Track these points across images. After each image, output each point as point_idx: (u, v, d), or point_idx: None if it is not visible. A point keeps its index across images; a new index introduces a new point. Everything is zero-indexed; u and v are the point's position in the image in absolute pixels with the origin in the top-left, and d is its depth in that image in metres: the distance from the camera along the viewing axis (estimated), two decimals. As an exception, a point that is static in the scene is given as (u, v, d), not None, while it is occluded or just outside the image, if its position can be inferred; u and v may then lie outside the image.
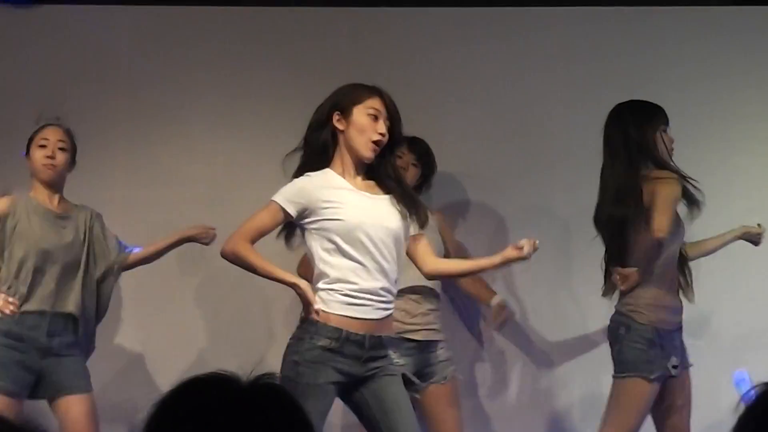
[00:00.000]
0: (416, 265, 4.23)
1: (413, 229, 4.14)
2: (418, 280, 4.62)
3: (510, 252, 4.03)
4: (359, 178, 4.15)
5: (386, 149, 4.17)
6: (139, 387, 5.33)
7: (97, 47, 5.61)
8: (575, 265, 5.46)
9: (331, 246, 4.02)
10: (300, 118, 5.53)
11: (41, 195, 4.87)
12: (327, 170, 4.13)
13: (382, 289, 4.02)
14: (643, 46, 5.56)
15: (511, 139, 5.53)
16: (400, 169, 5.03)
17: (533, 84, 5.55)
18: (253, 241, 4.08)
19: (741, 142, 5.51)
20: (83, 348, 4.78)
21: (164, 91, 5.59)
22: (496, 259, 4.10)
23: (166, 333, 5.47)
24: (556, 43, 5.58)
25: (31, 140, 4.89)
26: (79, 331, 4.74)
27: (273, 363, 5.25)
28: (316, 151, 4.15)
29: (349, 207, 4.05)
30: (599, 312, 5.32)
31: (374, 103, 4.16)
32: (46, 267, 4.71)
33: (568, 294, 5.50)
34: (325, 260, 4.03)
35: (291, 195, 4.08)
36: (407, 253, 4.18)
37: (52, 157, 4.86)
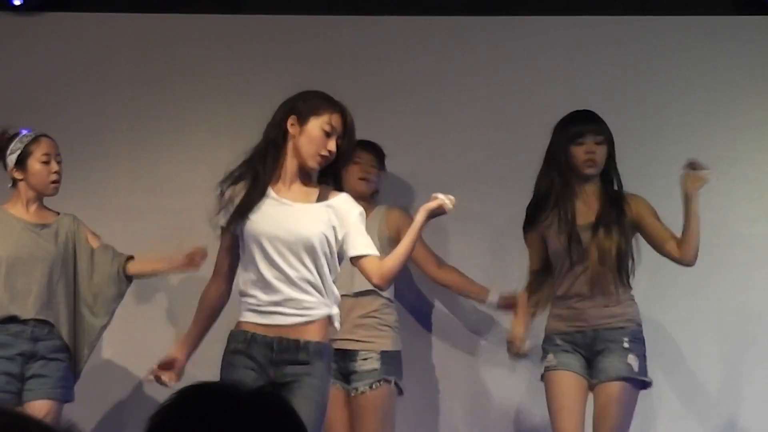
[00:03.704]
0: (370, 282, 4.17)
1: (352, 249, 4.08)
2: (346, 289, 4.68)
3: (427, 205, 3.97)
4: (295, 185, 4.15)
5: (333, 164, 4.16)
6: (138, 394, 5.32)
7: (99, 54, 5.61)
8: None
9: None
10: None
11: (19, 207, 4.84)
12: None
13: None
14: (644, 56, 5.56)
15: (510, 146, 5.52)
16: (363, 173, 5.07)
17: (533, 93, 5.55)
18: (227, 279, 4.25)
19: (743, 152, 5.50)
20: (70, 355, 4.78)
21: (166, 99, 5.59)
22: (418, 217, 4.01)
23: (164, 340, 5.45)
24: (557, 53, 5.58)
25: (27, 153, 4.81)
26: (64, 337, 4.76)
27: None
28: (261, 148, 4.20)
29: (259, 215, 4.10)
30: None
31: (332, 120, 4.14)
32: (23, 274, 4.71)
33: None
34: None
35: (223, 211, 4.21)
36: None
37: (58, 173, 4.83)
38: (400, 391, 5.02)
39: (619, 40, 5.58)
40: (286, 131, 4.17)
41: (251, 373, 4.04)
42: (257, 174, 4.17)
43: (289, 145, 4.15)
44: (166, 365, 4.20)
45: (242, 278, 4.15)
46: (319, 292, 4.06)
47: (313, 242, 4.04)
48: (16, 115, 5.53)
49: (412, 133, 5.51)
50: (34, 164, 4.80)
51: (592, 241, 4.74)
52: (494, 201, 5.49)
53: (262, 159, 4.18)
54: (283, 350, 4.04)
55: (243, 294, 4.14)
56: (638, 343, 4.70)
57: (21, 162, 4.81)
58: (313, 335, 4.06)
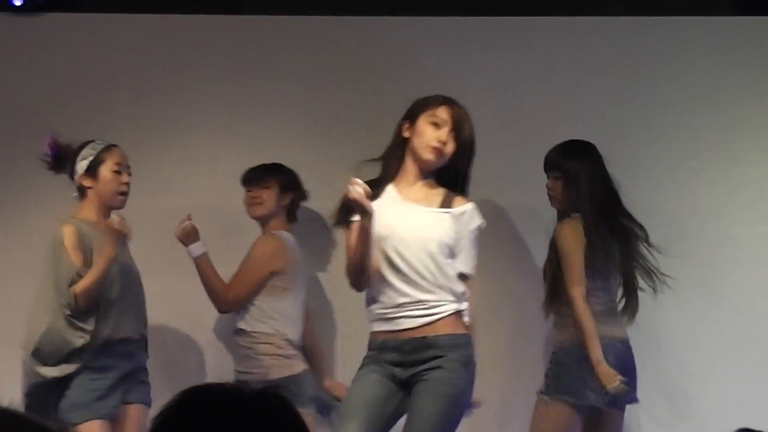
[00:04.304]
0: None
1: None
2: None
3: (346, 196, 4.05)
4: (418, 186, 4.26)
5: (455, 167, 4.27)
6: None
7: (99, 55, 5.61)
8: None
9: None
10: (301, 127, 5.56)
11: (91, 216, 4.73)
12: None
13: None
14: (644, 56, 5.56)
15: (512, 148, 5.52)
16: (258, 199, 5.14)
17: (535, 93, 5.54)
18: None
19: (744, 153, 5.50)
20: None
21: (166, 100, 5.59)
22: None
23: (170, 339, 5.45)
24: (557, 53, 5.58)
25: (98, 160, 4.70)
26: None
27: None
28: (386, 156, 4.33)
29: (385, 218, 4.14)
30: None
31: (437, 112, 4.27)
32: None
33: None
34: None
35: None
36: None
37: (128, 185, 4.75)
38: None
39: (619, 40, 5.58)
40: (403, 139, 4.29)
41: (375, 377, 4.12)
42: (380, 176, 4.30)
43: (408, 150, 4.27)
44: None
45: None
46: (444, 290, 4.14)
47: (431, 247, 4.13)
48: (16, 115, 5.54)
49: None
50: (106, 173, 4.70)
51: None
52: (494, 201, 5.49)
53: (386, 163, 4.31)
54: (415, 350, 4.11)
55: (370, 302, 4.22)
56: None
57: (91, 170, 4.71)
58: (443, 329, 4.14)
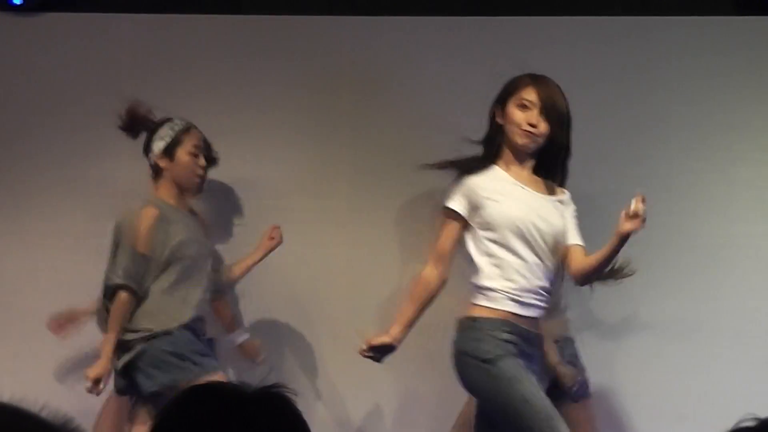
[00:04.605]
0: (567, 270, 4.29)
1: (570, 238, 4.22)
2: None
3: (623, 226, 3.98)
4: (525, 173, 4.26)
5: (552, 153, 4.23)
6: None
7: (99, 54, 5.61)
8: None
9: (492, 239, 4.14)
10: (302, 125, 5.55)
11: (169, 198, 4.68)
12: (492, 166, 4.27)
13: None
14: (644, 56, 5.56)
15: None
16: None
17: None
18: (448, 265, 4.25)
19: (743, 153, 5.50)
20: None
21: (166, 99, 5.58)
22: (614, 241, 4.08)
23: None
24: (558, 53, 5.57)
25: (176, 141, 4.65)
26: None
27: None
28: (486, 152, 4.32)
29: (511, 199, 4.16)
30: (603, 313, 5.35)
31: (524, 93, 4.26)
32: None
33: (569, 298, 5.48)
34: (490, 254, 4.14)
35: (457, 194, 4.25)
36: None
37: (204, 169, 4.69)
38: None
39: (619, 40, 5.58)
40: (498, 126, 4.29)
41: (533, 377, 4.09)
42: (483, 157, 4.31)
43: (504, 135, 4.28)
44: (380, 348, 4.21)
45: (488, 262, 4.15)
46: (552, 285, 4.20)
47: (558, 237, 4.18)
48: (16, 114, 5.54)
49: (411, 134, 5.50)
50: (183, 155, 4.63)
51: None
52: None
53: (487, 149, 4.33)
54: (529, 343, 4.13)
55: (494, 278, 4.12)
56: None
57: (168, 151, 4.64)
58: (540, 328, 4.19)
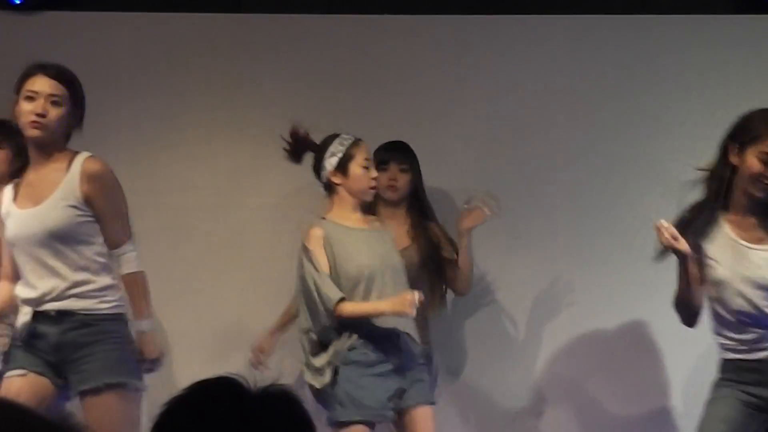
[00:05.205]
0: None
1: None
2: None
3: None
4: (750, 221, 4.07)
5: None
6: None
7: (99, 53, 5.60)
8: (578, 269, 5.45)
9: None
10: (302, 124, 5.54)
11: (343, 213, 4.68)
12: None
13: None
14: (644, 55, 5.56)
15: (512, 147, 5.52)
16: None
17: (535, 92, 5.55)
18: None
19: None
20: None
21: (166, 98, 5.59)
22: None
23: (171, 336, 5.45)
24: (558, 52, 5.58)
25: (348, 156, 4.67)
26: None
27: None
28: (713, 187, 4.07)
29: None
30: (606, 315, 5.34)
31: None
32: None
33: (571, 297, 5.48)
34: None
35: None
36: None
37: (377, 179, 4.73)
38: None
39: (619, 39, 5.58)
40: (730, 163, 4.06)
41: (730, 400, 4.11)
42: (706, 199, 4.11)
43: (736, 177, 4.05)
44: None
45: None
46: None
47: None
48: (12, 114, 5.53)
49: (412, 133, 5.50)
50: (356, 169, 4.63)
51: None
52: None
53: (711, 187, 4.11)
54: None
55: (719, 334, 4.16)
56: None
57: (341, 166, 4.64)
58: None
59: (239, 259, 5.25)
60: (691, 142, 5.37)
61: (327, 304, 4.44)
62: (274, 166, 5.44)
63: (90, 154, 4.22)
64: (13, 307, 4.26)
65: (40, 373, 4.10)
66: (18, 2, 5.57)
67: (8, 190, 4.27)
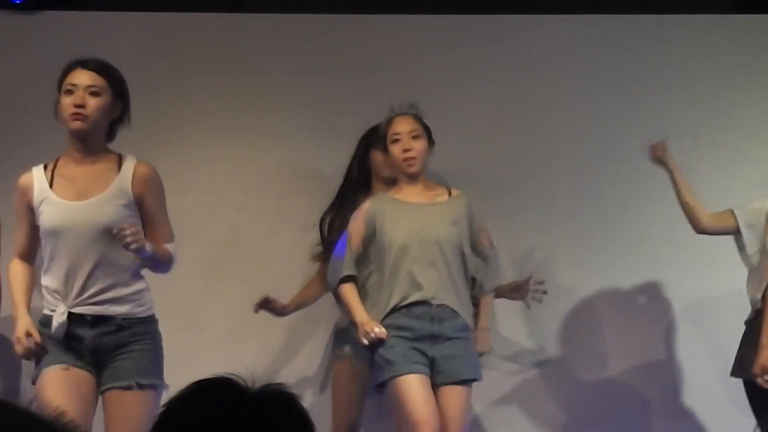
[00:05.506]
0: None
1: None
2: None
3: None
4: None
5: None
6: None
7: (99, 53, 5.57)
8: (578, 268, 5.46)
9: None
10: (302, 124, 5.55)
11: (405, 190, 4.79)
12: None
13: None
14: (644, 55, 5.56)
15: (512, 144, 5.53)
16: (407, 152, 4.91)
17: (534, 90, 5.55)
18: None
19: (742, 150, 5.50)
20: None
21: (165, 98, 5.59)
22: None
23: (172, 336, 5.44)
24: (558, 52, 5.58)
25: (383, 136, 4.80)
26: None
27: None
28: None
29: None
30: (609, 313, 5.34)
31: None
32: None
33: (574, 295, 5.48)
34: None
35: None
36: None
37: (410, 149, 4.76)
38: None
39: (619, 38, 5.59)
40: None
41: None
42: None
43: None
44: None
45: None
46: None
47: None
48: (15, 114, 5.53)
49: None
50: (389, 145, 4.75)
51: None
52: (494, 200, 5.49)
53: None
54: None
55: None
56: None
57: (384, 146, 4.80)
58: None
59: (239, 259, 5.24)
60: (690, 142, 5.38)
61: (337, 275, 4.67)
62: (273, 166, 5.45)
63: (137, 158, 4.31)
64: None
65: (81, 367, 4.16)
66: (17, 1, 5.57)
67: (38, 173, 4.27)
